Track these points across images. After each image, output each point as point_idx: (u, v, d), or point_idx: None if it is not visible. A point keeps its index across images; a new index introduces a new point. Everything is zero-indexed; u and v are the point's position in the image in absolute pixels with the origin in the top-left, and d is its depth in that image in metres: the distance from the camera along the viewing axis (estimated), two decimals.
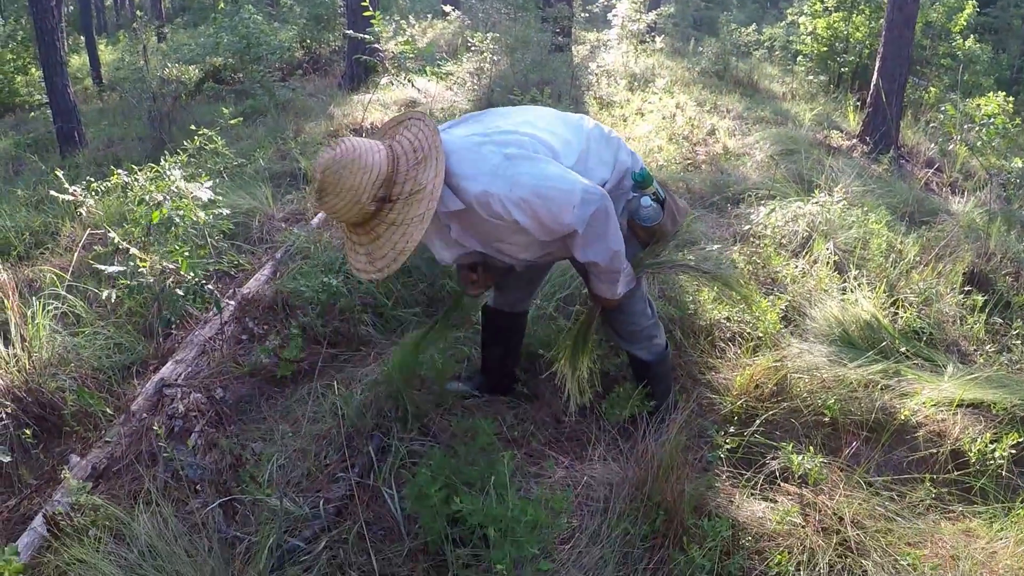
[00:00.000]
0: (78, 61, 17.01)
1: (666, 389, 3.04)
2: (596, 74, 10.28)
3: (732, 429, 2.97)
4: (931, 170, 7.62)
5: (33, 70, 13.87)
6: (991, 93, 6.88)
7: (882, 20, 9.24)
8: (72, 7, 26.31)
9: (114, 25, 33.64)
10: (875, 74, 8.78)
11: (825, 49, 11.96)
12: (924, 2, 11.29)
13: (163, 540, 2.33)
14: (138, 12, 17.74)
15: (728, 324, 3.75)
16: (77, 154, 8.17)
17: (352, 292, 3.88)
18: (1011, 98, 6.75)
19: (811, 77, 12.15)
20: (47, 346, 3.41)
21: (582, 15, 15.57)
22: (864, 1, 11.73)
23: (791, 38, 14.06)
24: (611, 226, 2.32)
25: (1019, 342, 3.96)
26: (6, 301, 3.28)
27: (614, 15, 12.96)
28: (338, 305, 3.80)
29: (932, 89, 11.01)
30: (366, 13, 8.29)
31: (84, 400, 3.17)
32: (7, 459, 2.77)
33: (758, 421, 3.00)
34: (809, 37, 12.30)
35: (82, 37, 17.17)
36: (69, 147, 8.44)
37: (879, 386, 3.32)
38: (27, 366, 3.20)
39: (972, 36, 12.32)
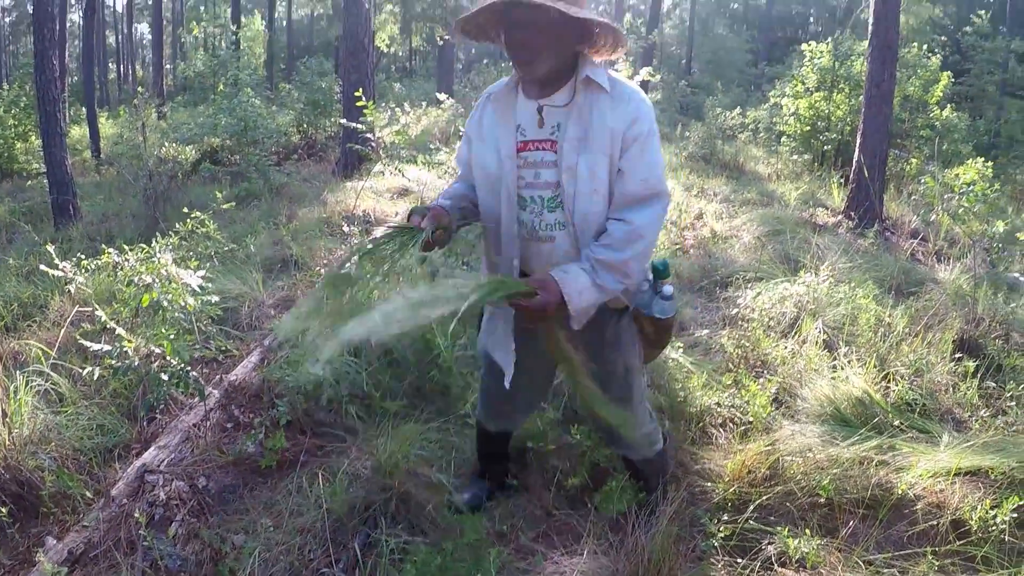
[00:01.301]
0: (78, 132, 17.29)
1: (660, 482, 2.98)
2: None
3: (725, 516, 2.92)
4: (916, 241, 7.70)
5: (33, 138, 13.86)
6: (970, 160, 7.00)
7: (861, 97, 9.46)
8: (76, 77, 26.98)
9: (116, 99, 34.53)
10: (857, 150, 8.97)
11: (808, 128, 12.25)
12: (901, 76, 11.60)
13: None
14: (140, 88, 18.12)
15: (719, 409, 3.72)
16: (71, 227, 8.18)
17: (339, 382, 3.85)
18: (989, 163, 6.86)
19: (795, 156, 12.42)
20: (29, 423, 3.36)
21: None
22: (843, 80, 12.06)
23: (775, 119, 14.42)
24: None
25: (1014, 404, 3.92)
26: None
27: None
28: (325, 395, 3.78)
29: (913, 160, 11.26)
30: (359, 103, 8.50)
31: (64, 481, 3.10)
32: None
33: (752, 507, 2.95)
34: (792, 117, 12.60)
35: (84, 108, 17.41)
36: (63, 219, 8.45)
37: (874, 462, 3.27)
38: (7, 442, 3.15)
39: (949, 106, 12.67)
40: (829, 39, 12.87)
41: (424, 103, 16.46)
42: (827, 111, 12.02)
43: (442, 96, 12.82)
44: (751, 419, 3.61)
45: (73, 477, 3.16)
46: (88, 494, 3.16)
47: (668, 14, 41.10)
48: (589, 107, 2.18)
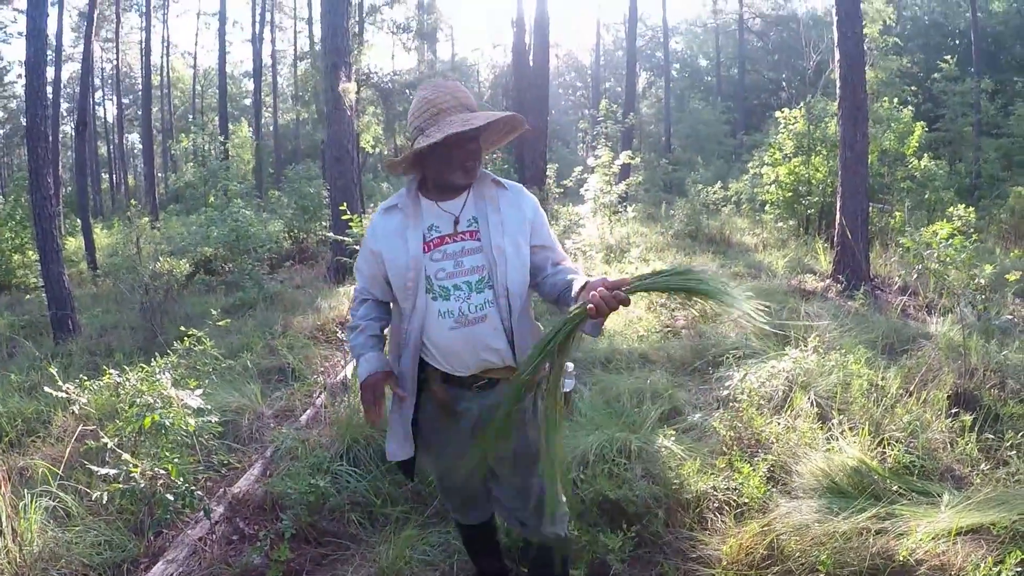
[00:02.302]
0: (74, 243, 17.34)
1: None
2: (572, 252, 10.55)
3: None
4: (906, 296, 7.74)
5: (30, 252, 13.72)
6: (951, 208, 7.04)
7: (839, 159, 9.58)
8: (70, 188, 27.15)
9: (109, 208, 34.74)
10: (838, 213, 9.04)
11: (790, 194, 12.35)
12: (876, 131, 11.75)
13: None
14: (132, 201, 18.33)
15: (714, 493, 3.74)
16: (70, 341, 8.19)
17: (341, 491, 3.93)
18: (971, 208, 6.88)
19: (780, 224, 12.50)
20: (39, 540, 3.42)
21: (556, 191, 16.17)
22: (819, 142, 12.23)
23: (756, 189, 14.55)
24: None
25: (1014, 453, 3.93)
26: None
27: (586, 189, 13.45)
28: (327, 505, 3.86)
29: (897, 214, 11.27)
30: (344, 217, 8.69)
31: None
32: None
33: None
34: (773, 185, 12.72)
35: (78, 219, 17.45)
36: (63, 334, 8.45)
37: (873, 531, 3.26)
38: (18, 559, 3.21)
39: (926, 155, 12.77)
40: (802, 103, 13.13)
41: None
42: (807, 175, 12.20)
43: None
44: (747, 500, 3.63)
45: None
46: None
47: (644, 93, 41.89)
48: (497, 200, 2.56)
